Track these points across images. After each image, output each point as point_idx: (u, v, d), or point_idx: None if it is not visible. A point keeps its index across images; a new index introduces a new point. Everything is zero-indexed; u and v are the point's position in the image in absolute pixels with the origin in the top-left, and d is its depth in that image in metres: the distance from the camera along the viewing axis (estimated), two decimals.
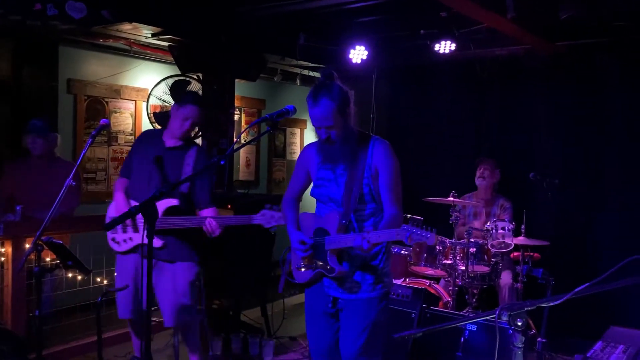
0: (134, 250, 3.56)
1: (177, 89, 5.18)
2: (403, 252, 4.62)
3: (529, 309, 1.82)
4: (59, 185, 3.18)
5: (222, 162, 2.29)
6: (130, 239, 3.55)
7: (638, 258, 1.88)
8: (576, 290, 1.85)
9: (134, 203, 3.53)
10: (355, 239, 2.45)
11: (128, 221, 3.52)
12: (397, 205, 2.61)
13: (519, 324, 1.80)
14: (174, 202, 3.40)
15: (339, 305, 2.71)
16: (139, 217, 3.49)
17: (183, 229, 3.46)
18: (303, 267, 2.69)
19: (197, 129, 5.51)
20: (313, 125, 2.60)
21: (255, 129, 7.55)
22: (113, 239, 3.60)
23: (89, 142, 3.36)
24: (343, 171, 2.64)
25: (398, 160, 2.66)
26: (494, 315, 1.79)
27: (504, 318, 1.78)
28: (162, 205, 3.40)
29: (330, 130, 2.56)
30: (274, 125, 2.50)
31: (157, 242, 3.48)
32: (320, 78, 2.61)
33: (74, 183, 3.28)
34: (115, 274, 3.72)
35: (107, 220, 3.66)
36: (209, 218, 3.33)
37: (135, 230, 3.54)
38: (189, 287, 3.55)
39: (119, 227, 3.56)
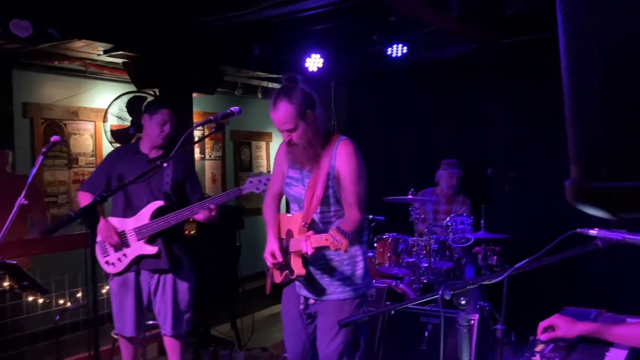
0: (129, 268, 3.49)
1: (134, 106, 5.16)
2: (369, 254, 4.63)
3: (472, 287, 1.84)
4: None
5: (164, 165, 2.28)
6: (125, 255, 3.47)
7: (576, 232, 1.92)
8: (516, 266, 1.89)
9: (113, 220, 3.49)
10: (301, 242, 2.45)
11: (114, 239, 3.45)
12: (357, 208, 2.57)
13: (462, 302, 1.82)
14: (159, 203, 3.40)
15: (313, 307, 2.70)
16: (127, 231, 3.47)
17: (177, 233, 3.51)
18: (275, 268, 2.72)
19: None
20: (276, 128, 2.59)
21: (220, 145, 7.53)
22: (107, 262, 3.51)
23: (40, 158, 3.34)
24: (308, 172, 2.65)
25: (362, 161, 2.63)
26: (437, 295, 1.81)
27: (447, 297, 1.80)
28: (150, 208, 3.40)
29: (291, 133, 2.55)
30: (219, 127, 2.51)
31: (151, 249, 3.44)
32: (283, 82, 2.59)
33: (25, 201, 3.24)
34: (112, 297, 3.62)
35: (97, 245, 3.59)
36: (206, 201, 3.35)
37: (126, 245, 3.47)
38: (191, 295, 3.61)
39: (110, 247, 3.50)
